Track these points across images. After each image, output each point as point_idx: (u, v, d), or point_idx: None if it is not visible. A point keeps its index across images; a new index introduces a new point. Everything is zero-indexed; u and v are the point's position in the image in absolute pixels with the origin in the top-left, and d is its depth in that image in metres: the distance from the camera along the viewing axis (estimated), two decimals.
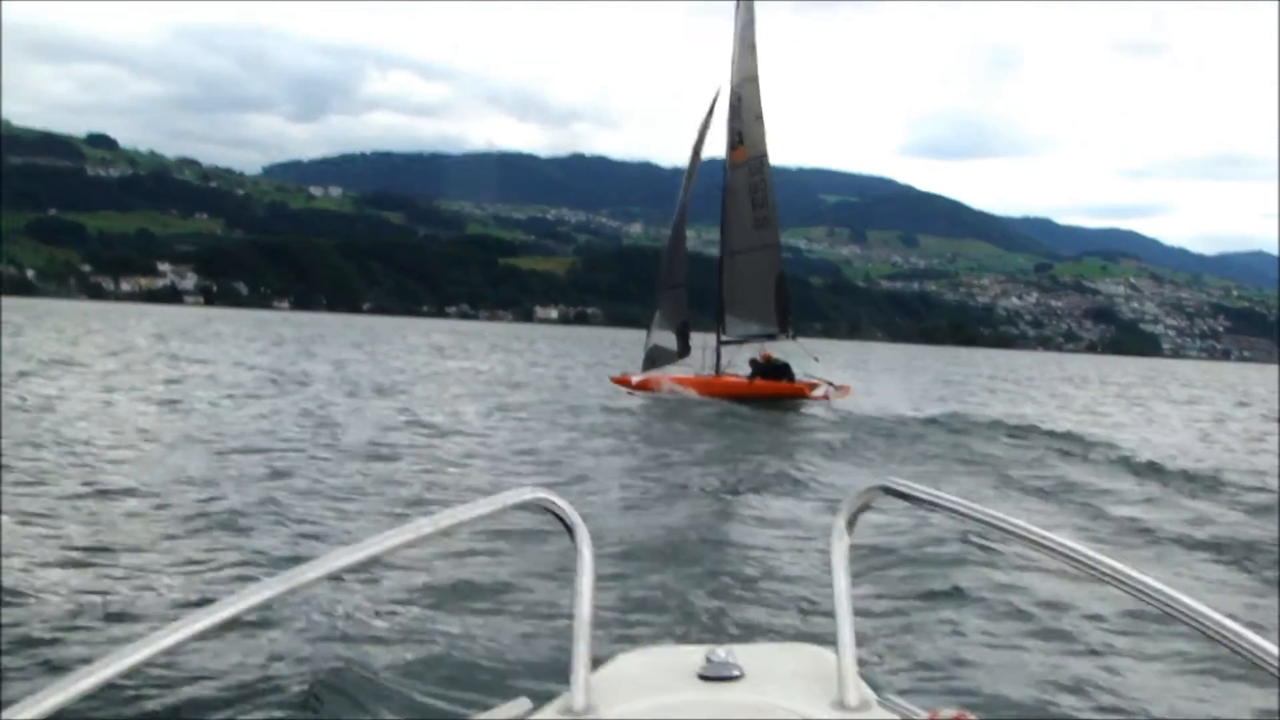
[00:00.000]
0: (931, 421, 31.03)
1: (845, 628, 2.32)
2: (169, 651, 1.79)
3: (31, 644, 7.60)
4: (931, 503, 2.34)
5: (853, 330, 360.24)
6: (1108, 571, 1.98)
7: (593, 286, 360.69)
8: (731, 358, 38.09)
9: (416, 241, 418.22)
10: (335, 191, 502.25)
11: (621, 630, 7.91)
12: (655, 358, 38.64)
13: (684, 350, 38.75)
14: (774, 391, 35.71)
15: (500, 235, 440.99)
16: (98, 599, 8.91)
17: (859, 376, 53.03)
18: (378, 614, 8.61)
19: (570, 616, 2.36)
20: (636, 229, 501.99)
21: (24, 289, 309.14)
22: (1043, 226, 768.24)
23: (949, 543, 11.24)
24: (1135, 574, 1.96)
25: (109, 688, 1.71)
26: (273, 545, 11.14)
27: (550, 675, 6.67)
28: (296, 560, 10.18)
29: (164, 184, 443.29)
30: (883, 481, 2.42)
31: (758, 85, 38.12)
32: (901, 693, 2.41)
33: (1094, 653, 8.31)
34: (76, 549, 10.66)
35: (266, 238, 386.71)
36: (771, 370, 36.05)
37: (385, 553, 2.09)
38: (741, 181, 38.32)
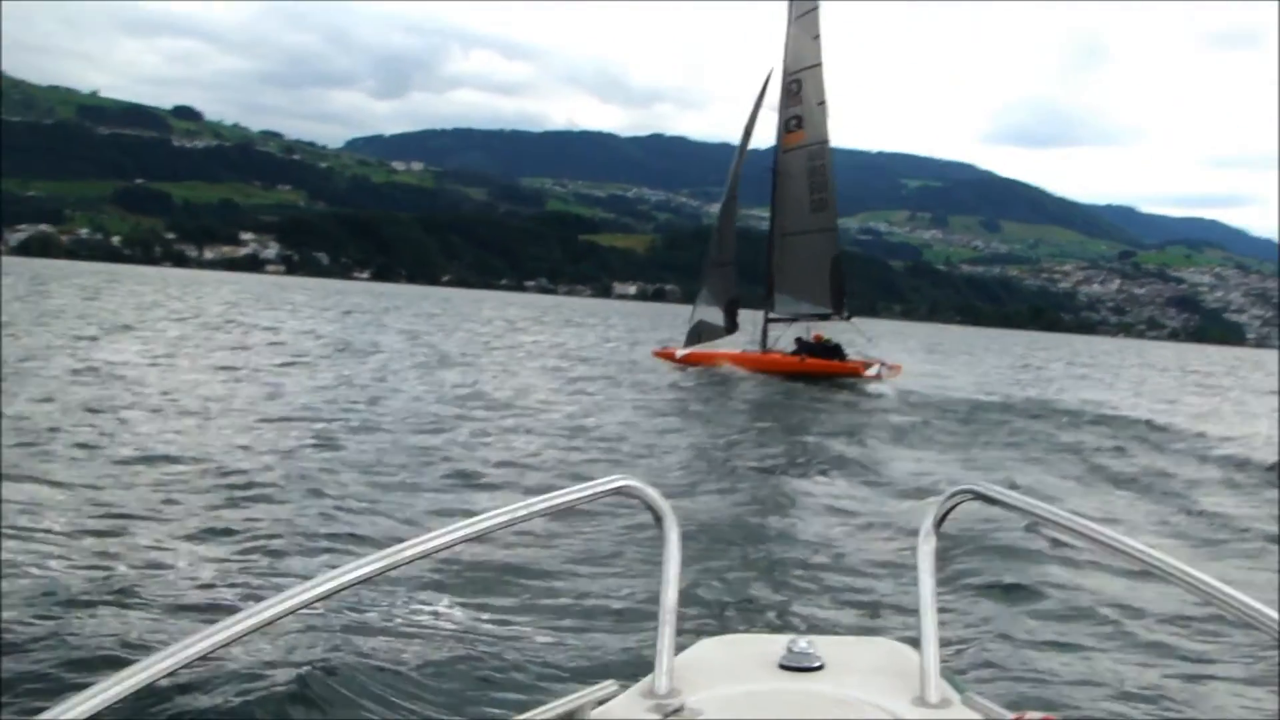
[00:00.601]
0: (1008, 406, 30.33)
1: (929, 626, 2.31)
2: (241, 638, 1.82)
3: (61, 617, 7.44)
4: (1021, 509, 2.34)
5: (932, 312, 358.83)
6: (1199, 585, 1.98)
7: (671, 264, 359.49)
8: (780, 335, 38.61)
9: (497, 217, 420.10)
10: (416, 166, 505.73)
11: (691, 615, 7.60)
12: (701, 333, 39.43)
13: (731, 327, 39.61)
14: (826, 369, 36.24)
15: (580, 212, 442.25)
16: (125, 570, 8.77)
17: (932, 359, 52.39)
18: (460, 598, 8.55)
19: (654, 602, 2.40)
20: (715, 209, 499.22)
21: (110, 255, 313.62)
22: (1126, 214, 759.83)
23: (1036, 542, 10.82)
24: (1226, 589, 1.95)
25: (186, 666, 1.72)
26: (344, 523, 10.99)
27: (626, 660, 6.90)
28: (363, 541, 9.84)
29: (248, 156, 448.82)
30: (971, 485, 2.42)
31: (820, 72, 38.76)
32: (983, 694, 2.38)
33: (1183, 659, 7.97)
34: (112, 516, 10.53)
35: (348, 210, 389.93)
36: (823, 350, 36.78)
37: (474, 536, 2.17)
38: (799, 165, 38.98)
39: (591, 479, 2.40)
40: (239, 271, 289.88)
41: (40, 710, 1.67)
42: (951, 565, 9.76)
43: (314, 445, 15.73)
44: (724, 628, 7.28)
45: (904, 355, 36.90)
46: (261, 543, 9.97)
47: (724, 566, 9.75)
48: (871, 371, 36.09)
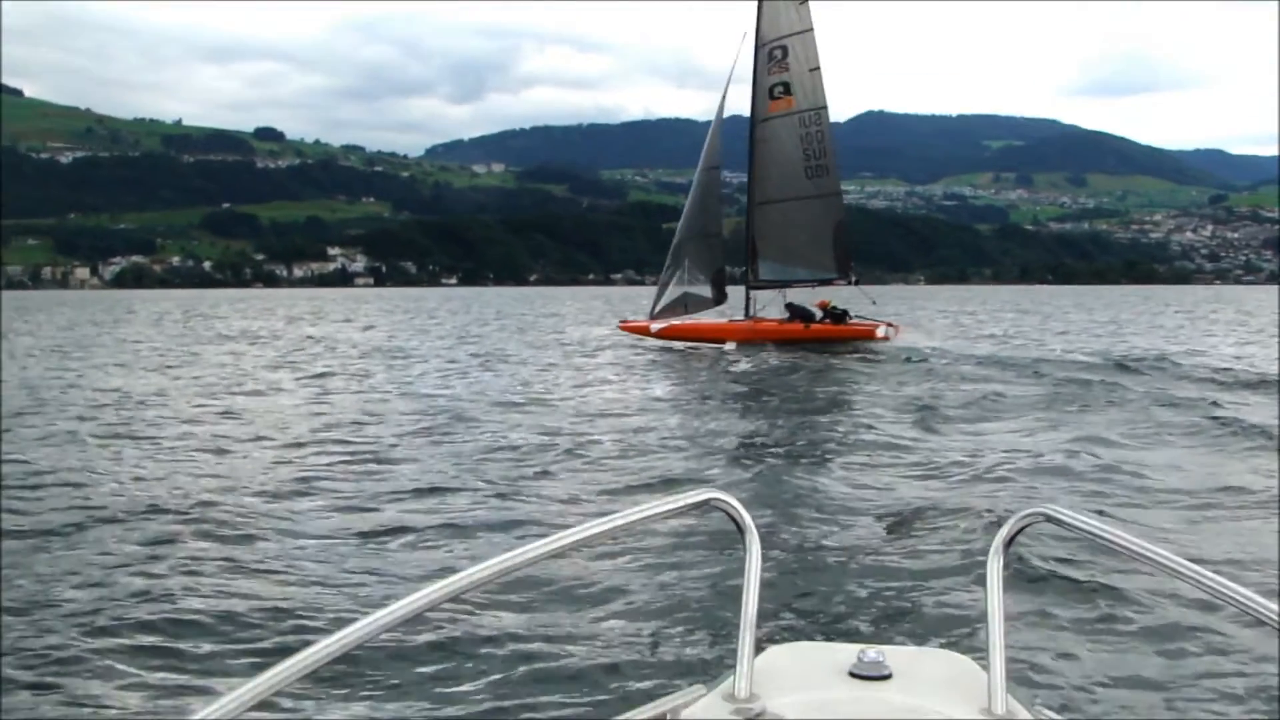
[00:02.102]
0: (1121, 367, 29.64)
1: (996, 640, 2.36)
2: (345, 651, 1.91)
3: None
4: (1092, 534, 2.38)
5: (1023, 274, 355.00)
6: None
7: None
8: (766, 304, 38.62)
9: (580, 212, 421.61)
10: (497, 168, 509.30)
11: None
12: (688, 304, 39.07)
13: (720, 297, 39.52)
14: (835, 335, 36.54)
15: (663, 201, 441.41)
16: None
17: (1032, 321, 51.55)
18: (542, 606, 8.88)
19: (735, 610, 2.47)
20: None
21: (202, 280, 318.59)
22: (1216, 158, 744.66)
23: (1110, 564, 10.65)
24: None
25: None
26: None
27: (695, 661, 7.32)
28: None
29: (331, 171, 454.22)
30: (1043, 509, 2.47)
31: (812, 38, 38.57)
32: (1050, 708, 2.41)
33: (1259, 694, 7.88)
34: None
35: (432, 217, 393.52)
36: (831, 316, 37.07)
37: (561, 551, 2.25)
38: (787, 131, 38.70)
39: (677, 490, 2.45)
40: (328, 287, 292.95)
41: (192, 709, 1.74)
42: (1022, 581, 9.58)
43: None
44: (792, 634, 7.63)
45: (996, 322, 36.29)
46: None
47: (791, 572, 9.96)
48: (881, 333, 36.53)
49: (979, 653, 2.48)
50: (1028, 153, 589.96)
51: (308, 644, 1.87)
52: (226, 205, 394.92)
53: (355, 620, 1.94)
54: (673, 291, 39.40)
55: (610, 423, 19.76)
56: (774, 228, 39.07)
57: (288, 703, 6.35)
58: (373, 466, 15.11)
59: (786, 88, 38.75)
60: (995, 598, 2.46)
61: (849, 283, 38.75)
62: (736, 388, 26.44)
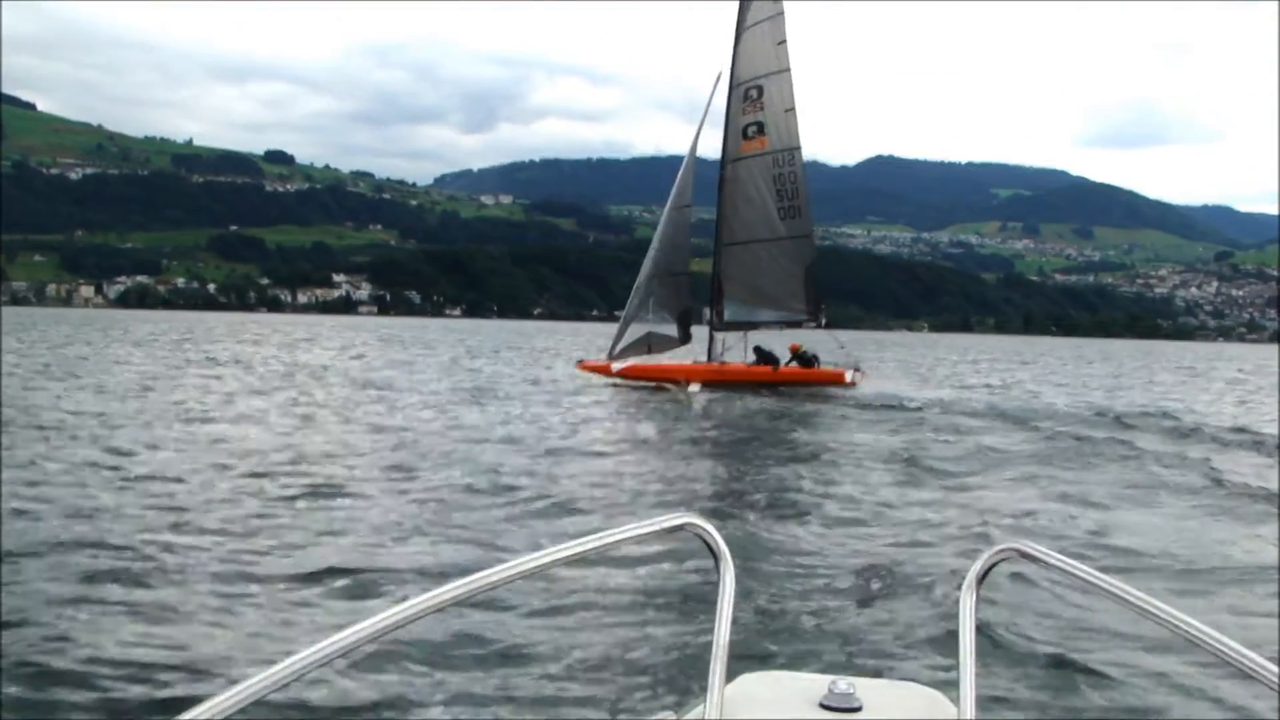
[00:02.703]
0: (1120, 423, 29.07)
1: (967, 676, 2.34)
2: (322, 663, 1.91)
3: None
4: (1065, 570, 2.39)
5: (1027, 324, 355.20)
6: (1253, 668, 2.00)
7: None
8: (732, 345, 38.47)
9: (586, 247, 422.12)
10: (505, 199, 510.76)
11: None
12: (651, 344, 38.75)
13: (685, 337, 39.14)
14: (805, 378, 36.51)
15: None
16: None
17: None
18: (519, 624, 9.02)
19: (706, 636, 2.47)
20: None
21: (206, 303, 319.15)
22: (1224, 214, 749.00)
23: (1080, 602, 10.27)
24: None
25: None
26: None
27: (667, 689, 7.16)
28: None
29: (339, 197, 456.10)
30: (1015, 544, 2.48)
31: (789, 78, 38.34)
32: None
33: None
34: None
35: (438, 247, 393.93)
36: (800, 360, 37.10)
37: (533, 571, 2.25)
38: (761, 172, 38.45)
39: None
40: (332, 314, 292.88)
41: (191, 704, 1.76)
42: (992, 616, 9.56)
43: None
44: (763, 663, 7.32)
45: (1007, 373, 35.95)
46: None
47: (764, 600, 10.04)
48: (849, 378, 36.37)
49: (950, 686, 2.47)
50: (1035, 203, 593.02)
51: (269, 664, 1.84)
52: (234, 227, 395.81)
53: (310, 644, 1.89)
54: (635, 330, 39.20)
55: (581, 464, 19.32)
56: (741, 268, 38.93)
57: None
58: (322, 502, 14.66)
59: (760, 127, 38.55)
60: (967, 632, 2.45)
61: (818, 325, 38.52)
62: (710, 432, 25.98)
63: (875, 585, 11.07)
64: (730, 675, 2.50)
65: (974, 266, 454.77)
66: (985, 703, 6.96)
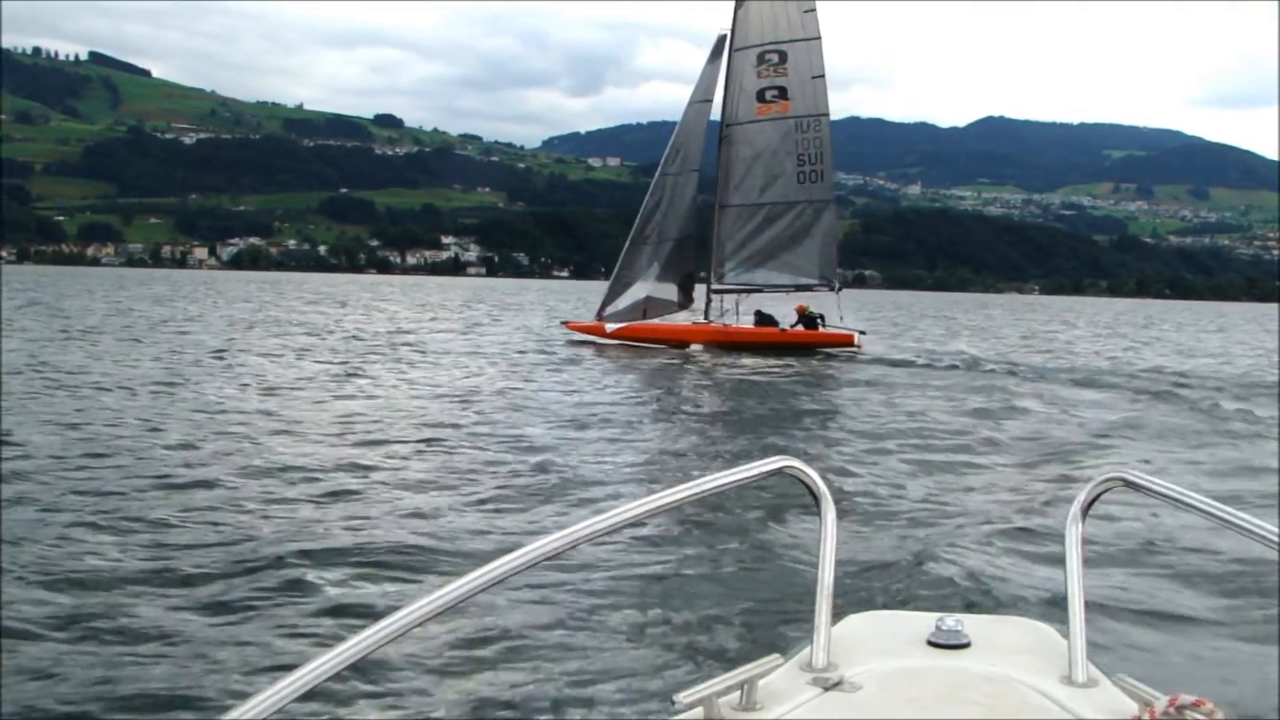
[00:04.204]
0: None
1: (1076, 607, 2.34)
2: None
3: None
4: (1173, 499, 2.33)
5: (1140, 287, 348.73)
6: None
7: (870, 249, 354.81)
8: (729, 308, 38.24)
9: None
10: (613, 161, 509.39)
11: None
12: (648, 308, 38.40)
13: (686, 301, 38.88)
14: (812, 340, 36.19)
15: None
16: None
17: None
18: (621, 573, 9.05)
19: (811, 579, 2.45)
20: (914, 190, 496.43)
21: (317, 264, 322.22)
22: None
23: (1188, 529, 10.34)
24: None
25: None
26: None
27: (772, 630, 7.42)
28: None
29: (447, 160, 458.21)
30: (1121, 473, 2.44)
31: (818, 46, 38.14)
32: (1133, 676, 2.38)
33: None
34: None
35: (546, 209, 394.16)
36: (805, 321, 36.63)
37: (642, 517, 2.23)
38: (782, 135, 38.28)
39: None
40: (441, 275, 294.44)
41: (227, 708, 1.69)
42: (1099, 548, 9.60)
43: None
44: (869, 603, 7.53)
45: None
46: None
47: (867, 541, 10.16)
48: (858, 341, 36.20)
49: (1059, 620, 2.46)
50: (1149, 164, 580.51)
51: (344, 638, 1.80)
52: (344, 190, 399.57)
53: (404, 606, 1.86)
54: (635, 292, 38.89)
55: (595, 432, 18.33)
56: (747, 231, 38.63)
57: (315, 704, 5.83)
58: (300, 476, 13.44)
59: (783, 91, 38.25)
60: (1075, 564, 2.44)
61: (831, 289, 38.00)
62: (760, 398, 24.93)
63: (977, 517, 11.25)
64: (836, 617, 2.50)
65: (1086, 229, 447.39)
66: (1097, 634, 6.41)
